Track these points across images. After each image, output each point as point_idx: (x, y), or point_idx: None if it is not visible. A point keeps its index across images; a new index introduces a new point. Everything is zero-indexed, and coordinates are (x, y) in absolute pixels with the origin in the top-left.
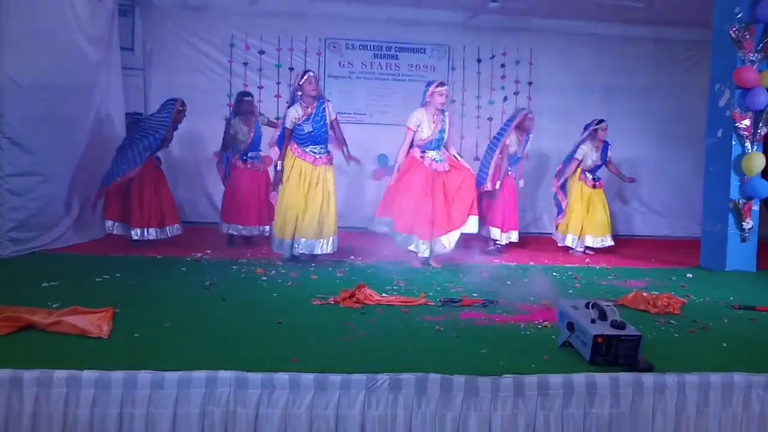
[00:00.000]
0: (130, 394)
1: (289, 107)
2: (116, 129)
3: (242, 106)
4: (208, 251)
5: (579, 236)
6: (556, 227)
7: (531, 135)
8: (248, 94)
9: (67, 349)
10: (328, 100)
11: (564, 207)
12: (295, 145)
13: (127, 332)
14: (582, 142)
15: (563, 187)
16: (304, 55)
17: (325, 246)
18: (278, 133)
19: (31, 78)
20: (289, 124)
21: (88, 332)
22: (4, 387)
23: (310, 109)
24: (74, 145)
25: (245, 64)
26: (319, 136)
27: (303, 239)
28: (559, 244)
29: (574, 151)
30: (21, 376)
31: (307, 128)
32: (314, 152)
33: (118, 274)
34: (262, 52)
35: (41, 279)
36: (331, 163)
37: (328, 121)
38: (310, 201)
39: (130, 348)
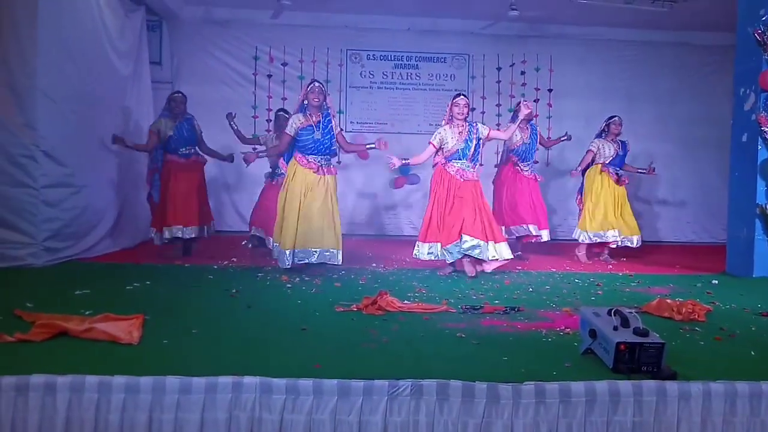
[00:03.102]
0: (159, 399)
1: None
2: (146, 141)
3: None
4: (234, 259)
5: (603, 230)
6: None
7: (536, 125)
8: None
9: (98, 355)
10: (334, 114)
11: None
12: (299, 155)
13: (156, 339)
14: (596, 137)
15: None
16: (326, 67)
17: (329, 256)
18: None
19: (63, 92)
20: (290, 131)
21: (119, 339)
22: (38, 392)
23: (315, 118)
24: (106, 156)
25: (269, 76)
26: (325, 146)
27: (300, 248)
28: (580, 241)
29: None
30: (55, 381)
31: (316, 135)
32: (318, 162)
33: (147, 282)
34: (285, 64)
35: (74, 287)
36: (335, 174)
37: (334, 132)
38: (308, 208)
39: (159, 354)
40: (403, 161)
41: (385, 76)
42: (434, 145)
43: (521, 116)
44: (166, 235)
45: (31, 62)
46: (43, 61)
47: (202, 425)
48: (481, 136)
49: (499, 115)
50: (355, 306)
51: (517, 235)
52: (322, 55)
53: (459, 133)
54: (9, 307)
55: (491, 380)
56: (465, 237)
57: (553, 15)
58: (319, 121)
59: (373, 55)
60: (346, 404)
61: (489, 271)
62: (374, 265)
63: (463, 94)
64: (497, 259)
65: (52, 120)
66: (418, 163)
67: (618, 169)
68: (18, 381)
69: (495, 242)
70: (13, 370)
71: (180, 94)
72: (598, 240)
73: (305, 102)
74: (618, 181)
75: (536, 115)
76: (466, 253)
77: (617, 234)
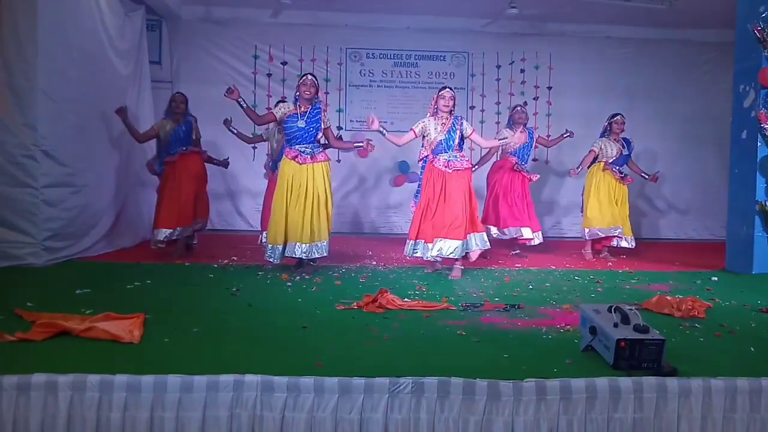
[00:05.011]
0: (160, 397)
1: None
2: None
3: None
4: (235, 258)
5: (608, 227)
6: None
7: (534, 130)
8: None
9: (99, 354)
10: (325, 109)
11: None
12: (287, 148)
13: (157, 337)
14: (600, 136)
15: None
16: (326, 65)
17: (315, 249)
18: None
19: (63, 92)
20: (276, 112)
21: (120, 338)
22: (40, 391)
23: (303, 108)
24: (106, 156)
25: (269, 75)
26: (309, 134)
27: (288, 243)
28: (587, 238)
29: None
30: (56, 381)
31: (300, 123)
32: (301, 151)
33: (148, 281)
34: (284, 63)
35: (75, 286)
36: (321, 161)
37: (322, 125)
38: (293, 203)
39: (161, 353)
40: (382, 129)
41: (384, 75)
42: (415, 133)
43: (512, 142)
44: (158, 236)
45: (31, 63)
46: (43, 62)
47: (204, 423)
48: (464, 132)
49: (498, 112)
50: (355, 304)
51: (508, 237)
52: (321, 53)
53: (442, 124)
54: (10, 307)
55: (492, 377)
56: (447, 240)
57: (553, 13)
58: (306, 111)
59: (373, 53)
60: (347, 402)
61: (473, 259)
62: (374, 263)
63: (449, 87)
64: (477, 249)
65: (52, 120)
66: (392, 140)
67: (621, 167)
68: (19, 380)
69: (475, 233)
70: (14, 370)
71: (179, 94)
72: (603, 235)
73: (297, 94)
74: (622, 180)
75: (535, 113)
76: (447, 256)
77: (621, 230)
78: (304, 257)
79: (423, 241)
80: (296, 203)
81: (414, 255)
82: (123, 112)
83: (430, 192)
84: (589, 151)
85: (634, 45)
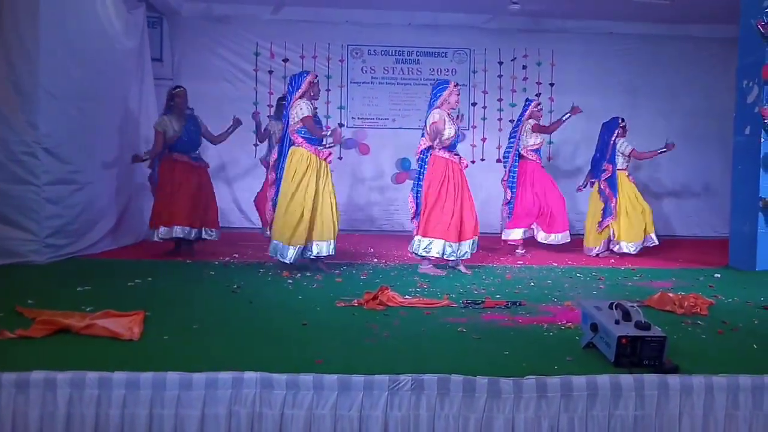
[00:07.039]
0: (160, 394)
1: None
2: (150, 138)
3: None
4: (236, 255)
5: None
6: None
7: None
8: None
9: (99, 351)
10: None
11: (613, 206)
12: (306, 144)
13: (157, 335)
14: (617, 137)
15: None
16: (327, 62)
17: (328, 248)
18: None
19: (66, 89)
20: (311, 113)
21: (120, 335)
22: (39, 388)
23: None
24: (108, 153)
25: (270, 72)
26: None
27: (315, 242)
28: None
29: (612, 147)
30: (55, 378)
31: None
32: (320, 151)
33: (149, 279)
34: (286, 60)
35: (76, 284)
36: (330, 161)
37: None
38: (317, 199)
39: (160, 350)
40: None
41: (386, 72)
42: (440, 125)
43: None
44: (163, 233)
45: (33, 60)
46: (45, 59)
47: (203, 421)
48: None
49: (500, 109)
50: (356, 301)
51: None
52: (323, 50)
53: (452, 120)
54: (11, 304)
55: (492, 375)
56: (468, 242)
57: (555, 9)
58: (317, 110)
59: (374, 50)
60: (346, 399)
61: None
62: (375, 260)
63: (458, 84)
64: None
65: (54, 117)
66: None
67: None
68: (18, 377)
69: None
70: (13, 367)
71: (183, 89)
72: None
73: (311, 94)
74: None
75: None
76: (465, 254)
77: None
78: (319, 255)
79: (443, 240)
80: (321, 200)
81: (426, 253)
82: (137, 158)
83: (447, 187)
84: (632, 150)
85: (636, 41)
